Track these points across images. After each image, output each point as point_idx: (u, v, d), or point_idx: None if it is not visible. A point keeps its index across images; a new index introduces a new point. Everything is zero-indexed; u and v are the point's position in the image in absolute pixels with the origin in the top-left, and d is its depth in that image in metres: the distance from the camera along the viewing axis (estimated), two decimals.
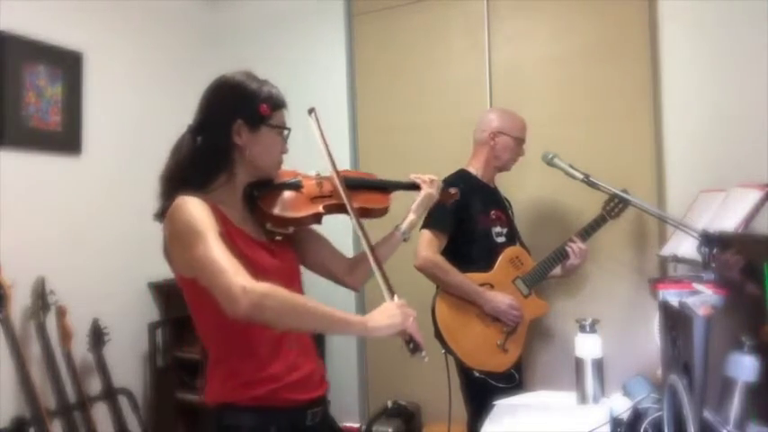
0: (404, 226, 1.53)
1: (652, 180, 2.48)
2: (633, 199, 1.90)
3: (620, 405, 1.44)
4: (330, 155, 1.39)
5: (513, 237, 2.31)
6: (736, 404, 1.04)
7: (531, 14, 2.73)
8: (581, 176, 1.94)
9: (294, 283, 1.35)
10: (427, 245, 2.10)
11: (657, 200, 2.45)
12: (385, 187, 1.53)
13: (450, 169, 2.31)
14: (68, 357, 2.47)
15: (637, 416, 1.37)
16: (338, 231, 1.54)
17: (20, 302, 2.37)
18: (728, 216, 1.77)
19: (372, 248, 1.35)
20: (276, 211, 1.32)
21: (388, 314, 1.21)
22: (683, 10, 2.33)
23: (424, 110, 2.93)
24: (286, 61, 3.19)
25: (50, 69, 2.58)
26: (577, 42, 2.63)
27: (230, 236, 1.20)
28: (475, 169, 2.29)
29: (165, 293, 3.06)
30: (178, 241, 1.17)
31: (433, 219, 2.09)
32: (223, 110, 1.28)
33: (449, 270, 2.10)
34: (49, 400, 2.38)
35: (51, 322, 2.45)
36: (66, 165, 2.65)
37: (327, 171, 1.42)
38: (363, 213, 1.43)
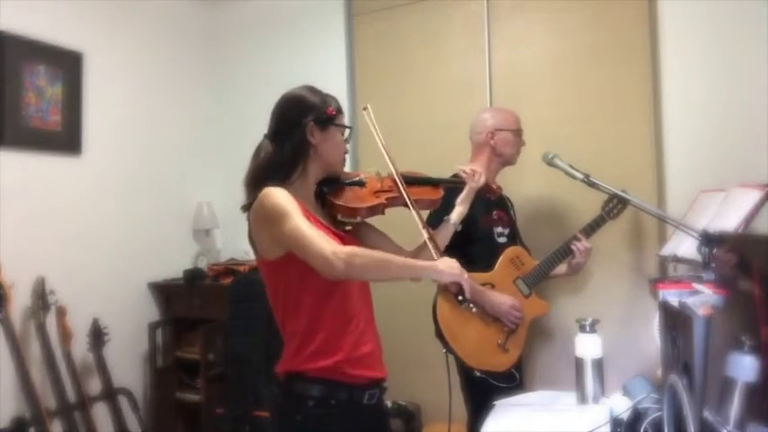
0: (453, 217, 1.74)
1: (652, 180, 2.48)
2: (633, 199, 1.90)
3: (620, 405, 1.44)
4: (385, 148, 1.61)
5: (514, 237, 2.31)
6: (736, 404, 1.04)
7: (530, 14, 2.73)
8: (581, 176, 1.94)
9: None
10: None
11: (657, 200, 2.45)
12: (435, 183, 1.74)
13: (451, 169, 2.31)
14: (68, 357, 2.47)
15: (637, 416, 1.37)
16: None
17: (20, 302, 2.37)
18: (728, 216, 1.77)
19: (426, 226, 1.55)
20: (345, 202, 1.50)
21: (451, 264, 1.40)
22: (683, 10, 2.33)
23: (423, 110, 2.93)
24: (286, 61, 3.19)
25: (50, 69, 2.58)
26: (577, 42, 2.63)
27: (310, 220, 1.35)
28: None
29: (165, 293, 3.07)
30: (267, 221, 1.34)
31: (435, 219, 2.09)
32: (297, 115, 1.45)
33: None
34: (49, 400, 2.38)
35: (51, 322, 2.45)
36: (66, 165, 2.65)
37: (385, 171, 1.63)
38: (419, 204, 1.61)
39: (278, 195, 1.34)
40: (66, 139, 2.65)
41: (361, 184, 1.58)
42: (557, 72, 2.67)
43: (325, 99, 1.49)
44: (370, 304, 1.54)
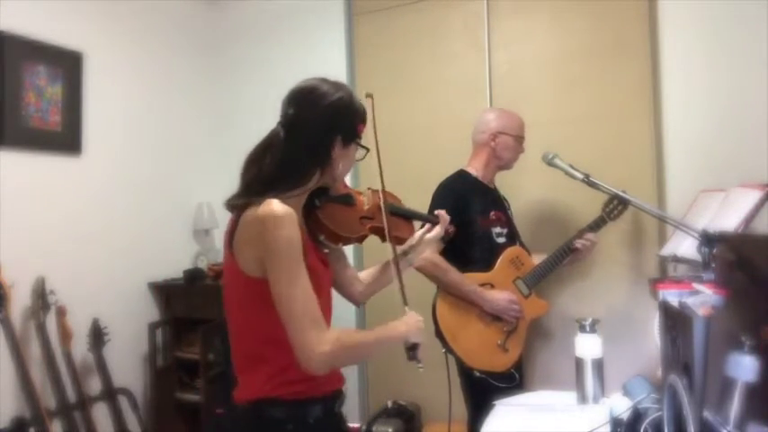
0: (413, 255, 1.57)
1: (652, 180, 2.48)
2: (633, 199, 1.90)
3: (620, 405, 1.44)
4: (378, 154, 1.44)
5: (513, 237, 2.31)
6: (736, 404, 1.04)
7: (530, 14, 2.73)
8: (581, 176, 1.94)
9: (330, 293, 1.43)
10: None
11: (657, 200, 2.45)
12: (412, 217, 1.59)
13: (450, 169, 2.31)
14: (68, 357, 2.47)
15: (637, 416, 1.37)
16: None
17: (20, 302, 2.37)
18: (728, 216, 1.77)
19: (398, 266, 1.44)
20: (334, 226, 1.35)
21: (416, 326, 1.36)
22: (683, 10, 2.33)
23: (423, 110, 2.93)
24: (286, 61, 3.19)
25: (50, 69, 2.58)
26: (577, 42, 2.63)
27: (305, 248, 1.24)
28: (474, 170, 2.29)
29: (165, 293, 3.07)
30: (269, 255, 1.19)
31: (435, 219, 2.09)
32: (329, 122, 1.30)
33: (448, 270, 2.10)
34: (49, 400, 2.38)
35: (51, 322, 2.45)
36: (66, 165, 2.65)
37: (372, 186, 1.50)
38: (399, 242, 1.51)
39: (290, 232, 1.18)
40: (67, 139, 2.65)
41: (349, 202, 1.43)
42: (557, 72, 2.67)
43: (361, 110, 1.37)
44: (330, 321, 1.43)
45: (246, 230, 1.23)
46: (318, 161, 1.30)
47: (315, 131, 1.29)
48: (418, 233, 1.57)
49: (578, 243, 2.22)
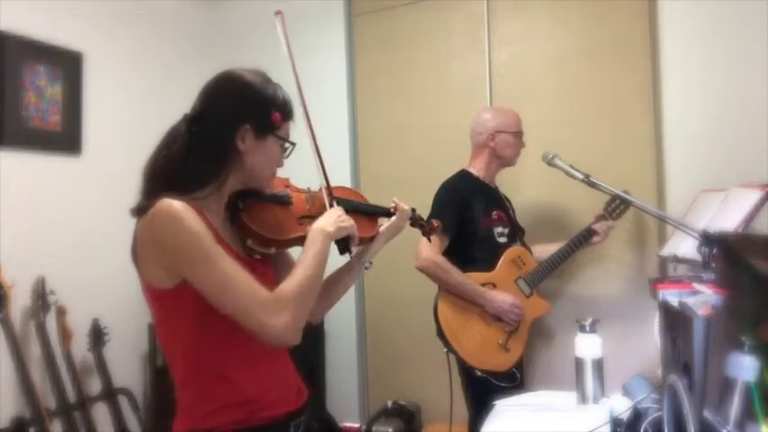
0: (366, 255, 1.38)
1: (652, 180, 2.48)
2: (633, 199, 1.90)
3: (620, 405, 1.44)
4: (317, 148, 1.28)
5: (514, 236, 2.31)
6: (736, 404, 1.04)
7: (531, 14, 2.73)
8: (581, 177, 1.93)
9: None
10: (428, 246, 2.10)
11: (657, 200, 2.45)
12: (373, 212, 1.43)
13: (451, 169, 2.31)
14: (68, 357, 2.47)
15: (637, 416, 1.37)
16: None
17: (20, 302, 2.37)
18: (728, 216, 1.77)
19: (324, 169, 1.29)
20: (260, 229, 1.19)
21: (337, 218, 1.21)
22: (683, 10, 2.33)
23: (424, 110, 2.93)
24: (286, 61, 3.18)
25: (50, 69, 2.58)
26: (578, 42, 2.63)
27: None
28: (476, 170, 2.29)
29: None
30: (177, 256, 1.07)
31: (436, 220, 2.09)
32: (233, 110, 1.16)
33: (450, 270, 2.11)
34: (49, 400, 2.38)
35: (51, 322, 2.45)
36: (66, 165, 2.65)
37: (317, 186, 1.31)
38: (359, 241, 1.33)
39: (189, 223, 1.05)
40: (67, 139, 2.65)
41: (286, 202, 1.27)
42: (557, 72, 2.67)
43: (278, 99, 1.20)
44: None
45: (143, 237, 1.13)
46: (221, 154, 1.14)
47: (217, 119, 1.16)
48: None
49: (596, 227, 2.24)
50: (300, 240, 1.21)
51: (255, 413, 1.15)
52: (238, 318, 1.06)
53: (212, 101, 1.19)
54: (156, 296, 1.15)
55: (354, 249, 1.24)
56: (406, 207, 1.44)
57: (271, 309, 1.05)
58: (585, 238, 2.26)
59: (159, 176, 1.16)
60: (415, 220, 1.50)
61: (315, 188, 1.34)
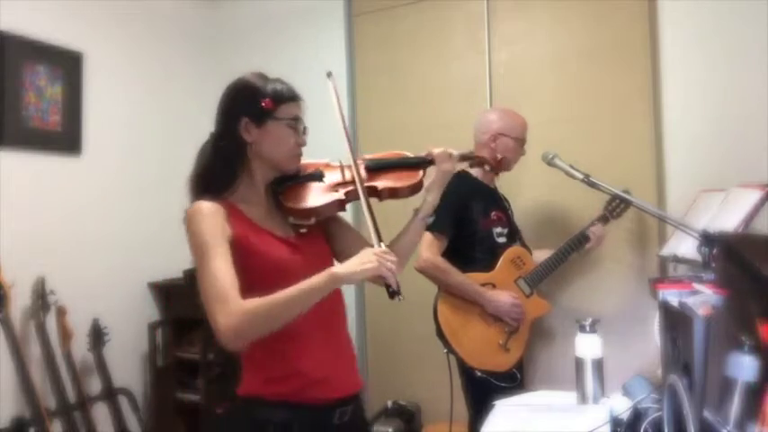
0: (424, 210, 1.47)
1: (652, 180, 2.48)
2: (634, 199, 1.90)
3: (620, 405, 1.44)
4: (344, 121, 1.42)
5: (513, 236, 2.31)
6: (736, 404, 1.04)
7: (531, 14, 2.73)
8: (581, 176, 1.93)
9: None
10: (428, 246, 2.10)
11: (657, 200, 2.45)
12: (408, 164, 1.47)
13: None
14: (68, 357, 2.47)
15: (637, 416, 1.37)
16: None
17: (20, 302, 2.37)
18: (728, 216, 1.77)
19: (370, 209, 1.33)
20: (294, 203, 1.33)
21: (361, 260, 1.18)
22: (683, 10, 2.33)
23: (424, 110, 2.93)
24: (286, 61, 3.18)
25: (50, 69, 2.58)
26: (578, 42, 2.63)
27: (246, 237, 1.25)
28: (475, 170, 2.29)
29: (165, 293, 3.06)
30: (191, 247, 1.23)
31: (434, 221, 2.09)
32: (230, 110, 1.32)
33: (449, 271, 2.10)
34: (49, 400, 2.38)
35: (51, 322, 2.45)
36: (66, 165, 2.65)
37: (350, 159, 1.40)
38: (392, 193, 1.42)
39: (198, 223, 1.21)
40: (67, 139, 2.65)
41: (318, 178, 1.39)
42: (557, 72, 2.67)
43: (266, 88, 1.30)
44: (335, 313, 1.39)
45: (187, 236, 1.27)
46: (235, 150, 1.30)
47: (222, 122, 1.33)
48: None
49: (590, 232, 2.25)
50: (337, 205, 1.35)
51: (304, 389, 1.27)
52: (205, 308, 1.18)
53: (218, 109, 1.35)
54: None
55: (398, 294, 1.20)
56: (439, 150, 1.46)
57: (225, 310, 1.13)
58: (580, 242, 2.25)
59: (196, 186, 1.32)
60: (463, 157, 1.54)
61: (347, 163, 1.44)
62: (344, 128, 1.42)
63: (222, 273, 1.16)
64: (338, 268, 1.18)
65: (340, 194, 1.35)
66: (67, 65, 2.65)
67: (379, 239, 1.26)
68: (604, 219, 2.29)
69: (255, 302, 1.14)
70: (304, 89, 1.39)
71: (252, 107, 1.29)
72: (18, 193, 2.42)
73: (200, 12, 3.40)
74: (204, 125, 1.42)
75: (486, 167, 1.71)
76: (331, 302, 1.31)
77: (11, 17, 2.41)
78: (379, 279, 1.20)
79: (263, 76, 1.35)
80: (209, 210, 1.23)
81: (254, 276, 1.21)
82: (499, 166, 1.63)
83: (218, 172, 1.31)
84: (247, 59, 3.35)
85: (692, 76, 2.32)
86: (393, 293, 1.20)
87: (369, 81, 3.09)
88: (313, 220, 1.37)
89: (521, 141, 2.28)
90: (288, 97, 1.32)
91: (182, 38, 3.29)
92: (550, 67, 2.68)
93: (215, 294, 1.15)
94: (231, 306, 1.13)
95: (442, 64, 2.90)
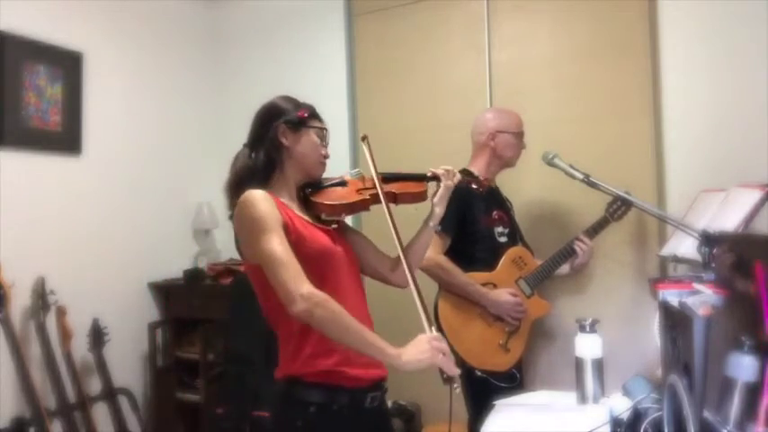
0: (432, 220, 1.64)
1: (652, 180, 2.48)
2: (634, 199, 1.90)
3: (620, 405, 1.44)
4: (377, 173, 1.55)
5: (514, 236, 2.31)
6: (736, 404, 1.04)
7: (530, 14, 2.73)
8: (581, 177, 1.94)
9: (353, 269, 1.50)
10: (431, 245, 2.10)
11: (657, 200, 2.45)
12: (414, 178, 1.67)
13: None
14: (68, 357, 2.47)
15: (637, 416, 1.37)
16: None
17: (20, 302, 2.37)
18: (728, 216, 1.77)
19: (404, 251, 1.46)
20: (326, 200, 1.49)
21: (419, 349, 1.28)
22: (684, 10, 2.33)
23: (424, 110, 2.93)
24: (286, 61, 3.19)
25: (50, 69, 2.58)
26: (578, 42, 2.63)
27: (292, 221, 1.37)
28: (476, 170, 2.28)
29: (165, 293, 3.07)
30: (246, 233, 1.34)
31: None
32: (269, 119, 1.48)
33: (452, 270, 2.11)
34: (49, 400, 2.38)
35: (51, 322, 2.45)
36: (66, 165, 2.65)
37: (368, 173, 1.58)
38: (403, 199, 1.59)
39: (256, 205, 1.33)
40: (67, 139, 2.65)
41: (342, 184, 1.58)
42: (557, 72, 2.66)
43: (298, 104, 1.52)
44: (363, 299, 1.51)
45: (236, 226, 1.39)
46: (272, 151, 1.46)
47: (258, 129, 1.49)
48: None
49: (577, 246, 2.22)
50: (363, 204, 1.51)
51: (341, 367, 1.36)
52: (275, 285, 1.27)
53: (254, 122, 1.52)
54: (254, 272, 1.39)
55: (456, 383, 1.28)
56: (441, 170, 1.65)
57: (305, 283, 1.23)
58: (568, 253, 2.24)
59: (235, 186, 1.45)
60: (463, 178, 1.71)
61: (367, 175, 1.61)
62: (376, 175, 1.54)
63: (289, 255, 1.27)
64: (404, 354, 1.27)
65: (365, 195, 1.52)
66: (67, 65, 2.65)
67: (430, 325, 1.33)
68: (592, 231, 2.24)
69: (337, 306, 1.24)
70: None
71: (290, 114, 1.48)
72: (18, 193, 2.43)
73: (200, 12, 3.40)
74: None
75: (479, 188, 1.85)
76: (361, 289, 1.50)
77: (11, 17, 2.41)
78: (434, 366, 1.28)
79: (291, 98, 1.53)
80: (263, 195, 1.34)
81: (300, 260, 1.30)
82: (479, 183, 1.79)
83: (256, 170, 1.45)
84: (247, 59, 3.36)
85: (692, 77, 2.32)
86: (447, 380, 1.27)
87: (369, 81, 3.08)
88: (342, 216, 1.53)
89: (519, 135, 2.29)
90: (317, 114, 1.53)
91: (181, 38, 3.29)
92: (550, 67, 2.68)
93: (293, 270, 1.25)
94: (309, 285, 1.23)
95: (442, 64, 2.90)
